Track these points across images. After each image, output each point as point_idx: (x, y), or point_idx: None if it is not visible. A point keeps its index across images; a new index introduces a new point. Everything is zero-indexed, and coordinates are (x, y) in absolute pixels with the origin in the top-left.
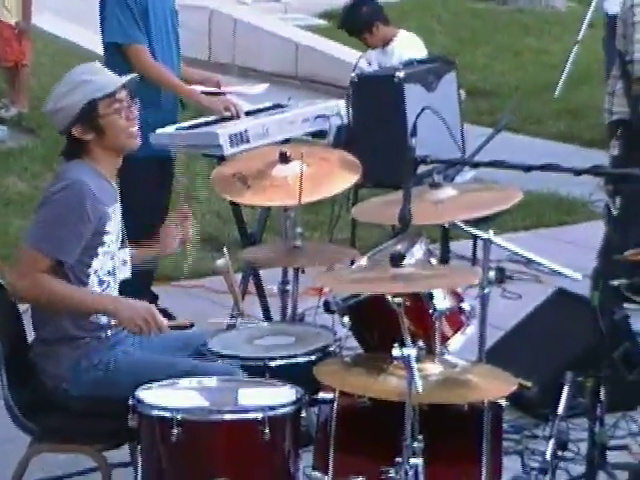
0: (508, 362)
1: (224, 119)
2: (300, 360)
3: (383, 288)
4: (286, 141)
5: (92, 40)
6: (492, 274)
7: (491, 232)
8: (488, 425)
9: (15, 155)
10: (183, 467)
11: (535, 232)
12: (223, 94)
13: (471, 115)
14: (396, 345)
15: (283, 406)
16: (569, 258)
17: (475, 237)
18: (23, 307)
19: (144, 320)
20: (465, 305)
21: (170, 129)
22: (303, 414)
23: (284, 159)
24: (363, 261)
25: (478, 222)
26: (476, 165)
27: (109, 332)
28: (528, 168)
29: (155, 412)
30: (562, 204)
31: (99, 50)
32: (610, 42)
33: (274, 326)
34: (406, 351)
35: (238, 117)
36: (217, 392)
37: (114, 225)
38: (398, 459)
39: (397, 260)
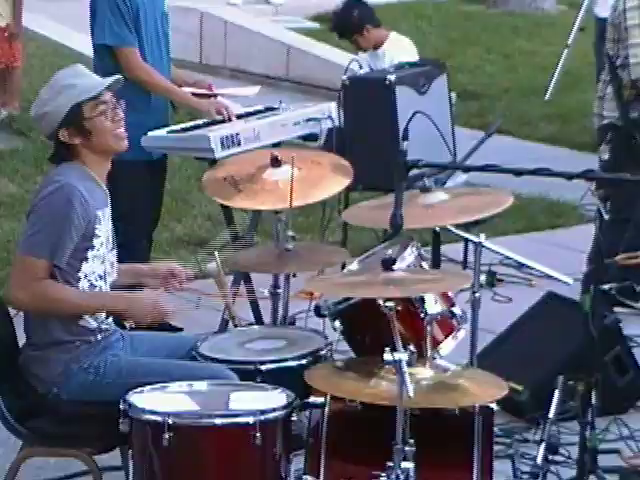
0: (499, 366)
1: (215, 122)
2: (291, 364)
3: (375, 292)
4: (277, 144)
5: (83, 42)
6: (483, 278)
7: (482, 236)
8: (479, 429)
9: (6, 157)
10: (174, 471)
11: (526, 236)
12: (215, 96)
13: (461, 117)
14: (387, 349)
15: (274, 410)
16: (560, 262)
17: (466, 241)
18: (13, 311)
19: (150, 312)
20: (456, 309)
21: (162, 132)
22: (294, 418)
23: (275, 163)
24: (354, 265)
25: (469, 226)
26: (468, 169)
27: (99, 336)
28: (519, 172)
29: (146, 416)
30: (553, 208)
31: (89, 52)
32: (600, 46)
33: (265, 330)
34: (397, 355)
35: (230, 120)
36: (208, 396)
37: (104, 229)
38: (389, 463)
39: (389, 264)
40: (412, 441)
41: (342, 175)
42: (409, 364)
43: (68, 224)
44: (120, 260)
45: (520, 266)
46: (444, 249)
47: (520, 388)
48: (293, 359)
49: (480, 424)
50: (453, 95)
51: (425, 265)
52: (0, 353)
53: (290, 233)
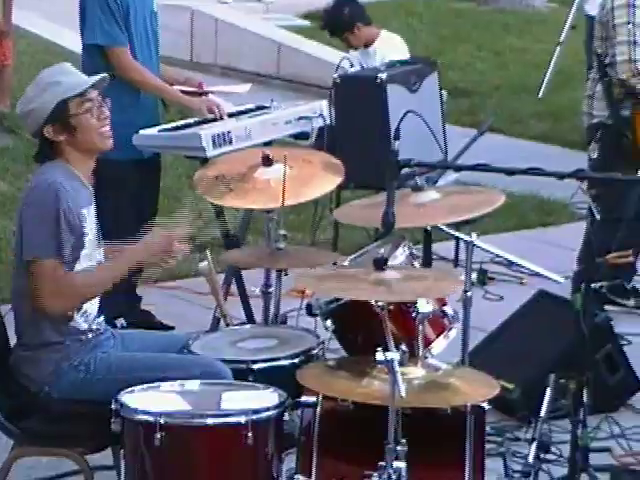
0: (490, 364)
1: (207, 120)
2: (283, 363)
3: (366, 294)
4: (269, 143)
5: (74, 40)
6: (474, 276)
7: (474, 235)
8: (471, 428)
9: None
10: (167, 471)
11: (517, 234)
12: (206, 94)
13: (452, 115)
14: (379, 349)
15: (266, 410)
16: (551, 259)
17: (458, 239)
18: (4, 311)
19: (164, 256)
20: (448, 308)
21: (153, 130)
22: (286, 418)
23: (267, 162)
24: (345, 264)
25: (460, 224)
26: (459, 169)
27: (89, 335)
28: (511, 172)
29: (138, 416)
30: (544, 206)
31: (80, 50)
32: (590, 44)
33: (257, 329)
34: (389, 355)
35: (221, 118)
36: (200, 396)
37: (89, 227)
38: (381, 463)
39: (380, 264)
40: (404, 440)
41: (333, 174)
42: (401, 363)
43: (60, 220)
44: None
45: (510, 264)
46: (435, 247)
47: (511, 386)
48: (285, 358)
49: (472, 423)
50: (444, 93)
51: (416, 264)
52: None
53: (282, 232)
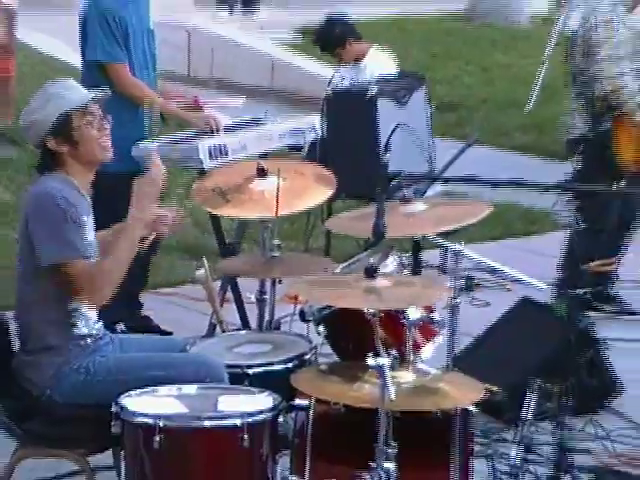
0: (476, 368)
1: (204, 133)
2: (277, 368)
3: (358, 301)
4: (263, 155)
5: (71, 54)
6: (461, 283)
7: (462, 244)
8: (458, 431)
9: (1, 166)
10: (165, 472)
11: (502, 242)
12: (201, 108)
13: (439, 128)
14: (371, 354)
15: (261, 413)
16: (534, 267)
17: (445, 249)
18: (7, 314)
19: (154, 195)
20: (436, 315)
21: (152, 143)
22: (280, 420)
23: (262, 174)
24: (337, 271)
25: (448, 233)
26: (447, 181)
27: (89, 340)
28: (496, 184)
29: (138, 419)
30: (527, 215)
31: (78, 63)
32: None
33: (252, 334)
34: (380, 360)
35: (218, 131)
36: (197, 399)
37: (90, 234)
38: (372, 464)
39: (371, 272)
40: (394, 442)
41: (325, 185)
42: (391, 368)
43: (69, 220)
44: None
45: (496, 272)
46: (424, 254)
47: (497, 390)
48: (279, 363)
49: (459, 426)
50: (432, 106)
51: (406, 272)
52: None
53: (276, 241)
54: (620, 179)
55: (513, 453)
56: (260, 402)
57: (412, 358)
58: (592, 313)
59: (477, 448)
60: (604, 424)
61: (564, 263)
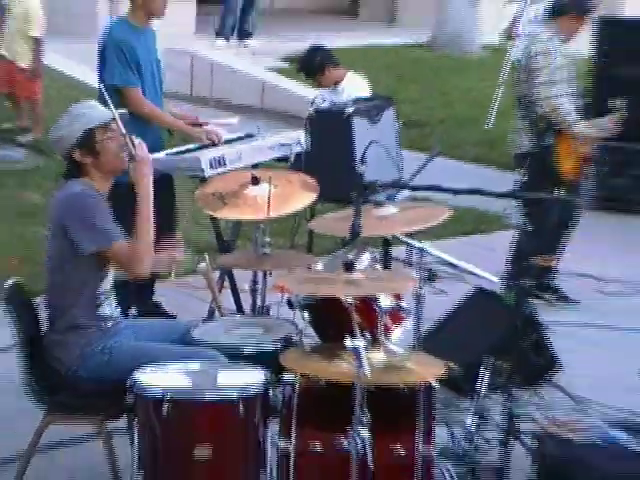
0: (438, 348)
1: (205, 146)
2: (268, 348)
3: (338, 291)
4: (256, 165)
5: (91, 76)
6: (424, 275)
7: (426, 243)
8: (422, 402)
9: (31, 173)
10: (172, 436)
11: (459, 239)
12: (201, 125)
13: (405, 142)
14: (348, 337)
15: (254, 386)
16: (485, 261)
17: (411, 246)
18: (37, 300)
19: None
20: (404, 303)
21: (161, 154)
22: (270, 393)
23: (255, 181)
24: (319, 265)
25: (414, 233)
26: (415, 188)
27: (109, 323)
28: (457, 192)
29: (149, 392)
30: (481, 217)
31: (95, 83)
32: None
33: (246, 319)
34: (356, 342)
35: (218, 144)
36: (200, 375)
37: None
38: (349, 430)
39: (349, 267)
40: (368, 412)
41: (309, 191)
42: (365, 349)
43: (100, 209)
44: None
45: (454, 267)
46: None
47: (455, 367)
48: (269, 343)
49: (423, 398)
50: (399, 123)
51: (378, 267)
52: (27, 338)
53: (267, 239)
54: (560, 187)
55: (469, 421)
56: (253, 377)
57: (383, 340)
58: (536, 301)
59: (438, 416)
60: (545, 396)
61: (512, 258)
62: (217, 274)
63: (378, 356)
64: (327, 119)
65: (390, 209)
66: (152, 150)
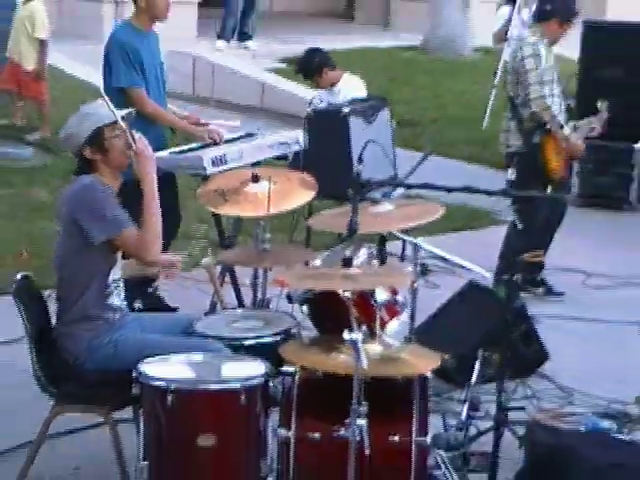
0: (432, 340)
1: (207, 145)
2: (268, 340)
3: (336, 285)
4: (256, 163)
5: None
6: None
7: (420, 238)
8: (417, 393)
9: (39, 171)
10: (177, 426)
11: (452, 235)
12: (207, 125)
13: (399, 141)
14: (346, 330)
15: (255, 378)
16: (476, 255)
17: (404, 241)
18: (46, 293)
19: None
20: (399, 297)
21: (164, 153)
22: (271, 384)
23: (255, 179)
24: (317, 261)
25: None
26: (410, 187)
27: (117, 315)
28: (450, 190)
29: (154, 382)
30: (472, 213)
31: (99, 83)
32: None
33: (247, 312)
34: (354, 335)
35: (219, 143)
36: (204, 366)
37: None
38: (347, 420)
39: (348, 262)
40: (365, 402)
41: (308, 189)
42: (363, 341)
43: (110, 199)
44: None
45: (447, 262)
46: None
47: (448, 358)
48: (269, 336)
49: (418, 388)
50: (393, 123)
51: (375, 262)
52: (36, 330)
53: (267, 235)
54: (548, 185)
55: (461, 410)
56: (255, 368)
57: (379, 333)
58: (525, 294)
59: (432, 406)
60: (533, 386)
61: (503, 254)
62: (218, 269)
63: (375, 348)
64: (325, 119)
65: (386, 206)
66: (155, 148)
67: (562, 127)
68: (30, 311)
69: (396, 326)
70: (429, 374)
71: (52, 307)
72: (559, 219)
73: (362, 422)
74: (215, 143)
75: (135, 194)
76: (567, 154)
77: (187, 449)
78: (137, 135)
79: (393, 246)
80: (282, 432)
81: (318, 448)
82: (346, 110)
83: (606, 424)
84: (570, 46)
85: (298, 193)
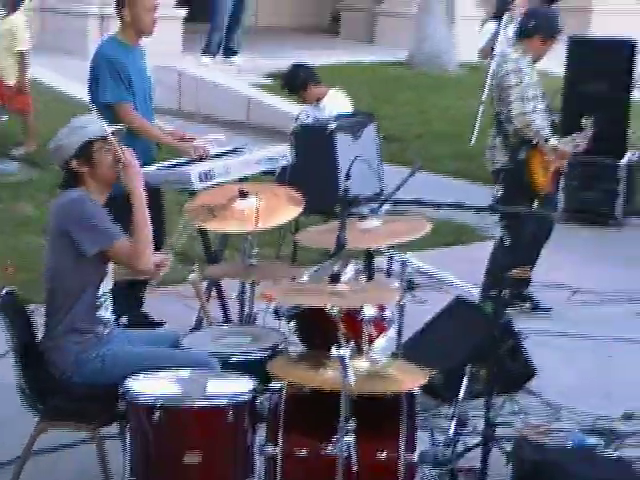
0: (419, 356)
1: (194, 160)
2: (255, 356)
3: (324, 301)
4: (243, 178)
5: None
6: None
7: (408, 254)
8: (404, 409)
9: (24, 185)
10: (163, 442)
11: (438, 250)
12: (193, 140)
13: (386, 155)
14: (334, 346)
15: (242, 394)
16: (462, 271)
17: (391, 257)
18: (31, 307)
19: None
20: (387, 313)
21: (152, 168)
22: (258, 400)
23: (243, 195)
24: (304, 277)
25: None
26: (397, 203)
27: (106, 331)
28: (439, 205)
29: (141, 399)
30: (458, 229)
31: (83, 97)
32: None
33: (234, 328)
34: (342, 351)
35: (206, 158)
36: (190, 383)
37: None
38: (334, 437)
39: (335, 278)
40: (352, 419)
41: (295, 205)
42: (350, 357)
43: (99, 211)
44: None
45: (435, 277)
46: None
47: (435, 374)
48: (257, 352)
49: (405, 405)
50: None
51: (362, 278)
52: (21, 344)
53: (255, 250)
54: (535, 200)
55: (449, 426)
56: (242, 385)
57: (367, 349)
58: (512, 310)
59: (420, 422)
60: (521, 401)
61: (489, 270)
62: (205, 284)
63: (362, 364)
64: (311, 134)
65: (373, 222)
66: (143, 162)
67: (547, 140)
68: (15, 326)
69: (383, 342)
70: (417, 390)
71: (37, 321)
72: (547, 235)
73: (349, 438)
74: (201, 159)
75: (125, 208)
76: (556, 164)
77: (174, 466)
78: (125, 148)
79: (379, 261)
80: (269, 449)
81: (305, 464)
82: (332, 126)
83: (593, 440)
84: (557, 62)
85: (285, 209)
